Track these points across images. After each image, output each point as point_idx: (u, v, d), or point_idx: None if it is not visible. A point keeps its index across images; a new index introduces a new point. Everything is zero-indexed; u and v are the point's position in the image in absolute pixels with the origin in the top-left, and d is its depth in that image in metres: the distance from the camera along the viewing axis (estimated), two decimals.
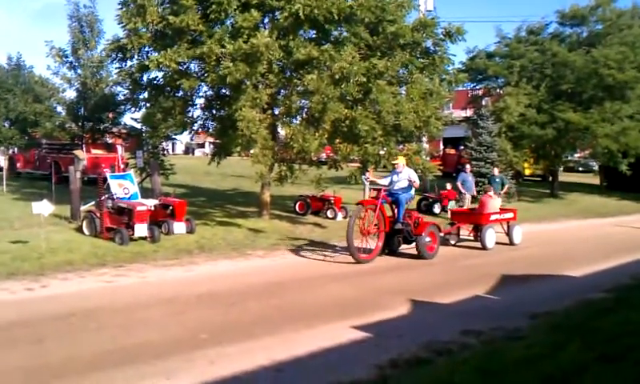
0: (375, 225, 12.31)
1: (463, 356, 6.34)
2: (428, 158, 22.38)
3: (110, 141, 27.89)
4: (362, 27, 15.21)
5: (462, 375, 5.58)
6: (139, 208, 12.72)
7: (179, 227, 13.79)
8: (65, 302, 8.31)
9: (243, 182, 26.61)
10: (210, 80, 14.62)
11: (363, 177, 14.55)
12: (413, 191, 12.92)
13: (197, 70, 15.86)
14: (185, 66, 15.37)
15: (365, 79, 14.60)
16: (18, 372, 5.64)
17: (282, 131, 17.13)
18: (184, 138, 36.73)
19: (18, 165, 29.07)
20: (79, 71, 25.14)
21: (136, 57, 15.81)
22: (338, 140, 16.07)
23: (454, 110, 37.31)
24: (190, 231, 14.02)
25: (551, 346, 6.41)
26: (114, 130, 27.45)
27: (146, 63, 14.79)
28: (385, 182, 13.02)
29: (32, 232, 12.31)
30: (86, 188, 16.76)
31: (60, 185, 18.55)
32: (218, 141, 18.44)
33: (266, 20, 15.30)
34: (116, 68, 17.21)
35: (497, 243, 14.97)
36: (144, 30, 15.12)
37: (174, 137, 21.93)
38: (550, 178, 33.79)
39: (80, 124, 26.21)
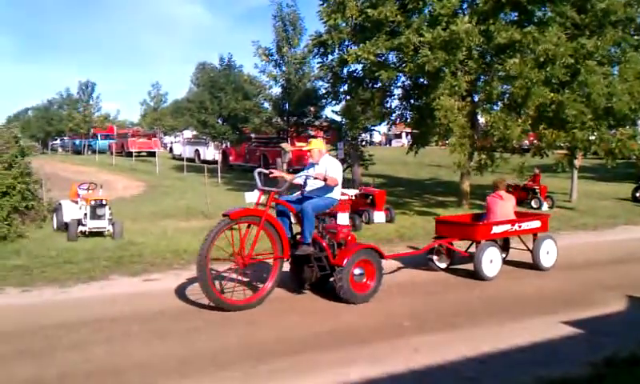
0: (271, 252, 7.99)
1: None
2: None
3: (312, 133, 29.16)
4: (568, 6, 14.47)
5: None
6: (341, 197, 13.17)
7: (379, 216, 14.10)
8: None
9: (441, 172, 26.42)
10: (408, 70, 14.76)
11: (255, 171, 8.26)
12: (335, 194, 8.20)
13: (395, 60, 16.09)
14: (383, 58, 15.66)
15: (572, 60, 13.98)
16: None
17: (481, 119, 16.78)
18: (382, 129, 37.24)
19: (231, 158, 31.83)
20: (284, 68, 26.57)
21: (336, 51, 16.42)
22: (542, 126, 15.41)
23: None
24: (390, 220, 14.25)
25: None
26: (316, 123, 28.62)
27: (346, 57, 15.29)
28: (298, 180, 8.37)
29: None
30: None
31: None
32: (415, 131, 18.52)
33: (465, 5, 15.08)
34: (318, 63, 18.06)
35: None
36: (344, 24, 15.66)
37: (372, 128, 22.40)
38: None
39: (285, 118, 27.72)
